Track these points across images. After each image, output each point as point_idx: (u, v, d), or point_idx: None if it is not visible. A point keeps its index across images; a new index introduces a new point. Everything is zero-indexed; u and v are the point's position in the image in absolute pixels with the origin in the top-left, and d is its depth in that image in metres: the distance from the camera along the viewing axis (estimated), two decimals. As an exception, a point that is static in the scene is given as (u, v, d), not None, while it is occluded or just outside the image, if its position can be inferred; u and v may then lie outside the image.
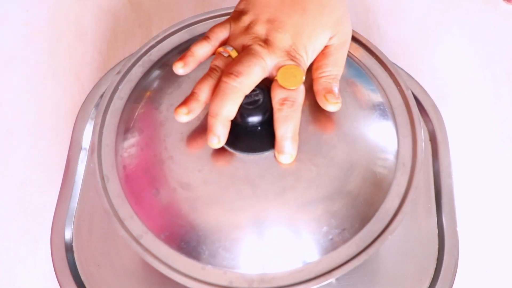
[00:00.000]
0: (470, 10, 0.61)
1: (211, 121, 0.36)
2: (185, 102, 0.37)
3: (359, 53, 0.43)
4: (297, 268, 0.35)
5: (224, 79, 0.36)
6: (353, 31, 0.43)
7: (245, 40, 0.38)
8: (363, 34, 0.44)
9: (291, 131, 0.36)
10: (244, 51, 0.37)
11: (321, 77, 0.39)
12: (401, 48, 0.58)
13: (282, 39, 0.38)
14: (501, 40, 0.59)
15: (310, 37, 0.39)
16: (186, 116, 0.37)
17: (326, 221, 0.36)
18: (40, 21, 0.61)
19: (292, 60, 0.37)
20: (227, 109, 0.36)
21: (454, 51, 0.58)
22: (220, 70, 0.38)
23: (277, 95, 0.37)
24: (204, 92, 0.37)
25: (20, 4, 0.61)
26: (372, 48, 0.43)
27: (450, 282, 0.43)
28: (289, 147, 0.36)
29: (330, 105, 0.38)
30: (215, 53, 0.40)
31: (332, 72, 0.39)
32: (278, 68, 0.37)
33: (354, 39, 0.43)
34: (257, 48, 0.37)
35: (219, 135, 0.36)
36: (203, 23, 0.45)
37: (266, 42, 0.38)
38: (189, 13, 0.58)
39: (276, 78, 0.37)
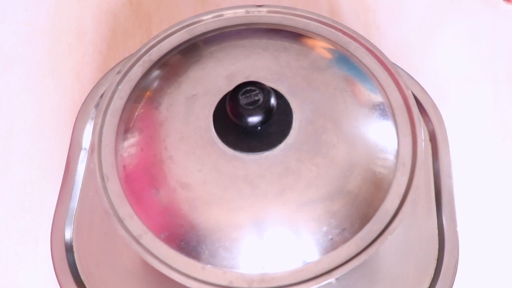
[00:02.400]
0: (470, 10, 0.61)
1: None
2: None
3: (359, 53, 0.43)
4: (297, 268, 0.35)
5: None
6: (353, 31, 0.43)
7: None
8: (363, 34, 0.44)
9: None
10: None
11: None
12: (401, 48, 0.58)
13: None
14: (501, 40, 0.59)
15: None
16: None
17: (326, 221, 0.36)
18: (40, 21, 0.60)
19: None
20: None
21: (454, 51, 0.58)
22: None
23: None
24: None
25: (20, 4, 0.61)
26: (372, 48, 0.43)
27: (450, 282, 0.43)
28: None
29: None
30: None
31: None
32: None
33: (354, 39, 0.43)
34: None
35: None
36: (203, 23, 0.45)
37: None
38: (189, 13, 0.59)
39: None
